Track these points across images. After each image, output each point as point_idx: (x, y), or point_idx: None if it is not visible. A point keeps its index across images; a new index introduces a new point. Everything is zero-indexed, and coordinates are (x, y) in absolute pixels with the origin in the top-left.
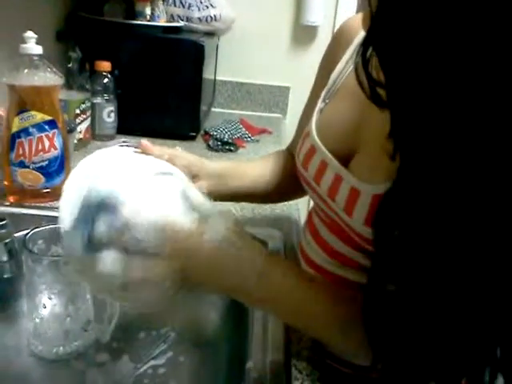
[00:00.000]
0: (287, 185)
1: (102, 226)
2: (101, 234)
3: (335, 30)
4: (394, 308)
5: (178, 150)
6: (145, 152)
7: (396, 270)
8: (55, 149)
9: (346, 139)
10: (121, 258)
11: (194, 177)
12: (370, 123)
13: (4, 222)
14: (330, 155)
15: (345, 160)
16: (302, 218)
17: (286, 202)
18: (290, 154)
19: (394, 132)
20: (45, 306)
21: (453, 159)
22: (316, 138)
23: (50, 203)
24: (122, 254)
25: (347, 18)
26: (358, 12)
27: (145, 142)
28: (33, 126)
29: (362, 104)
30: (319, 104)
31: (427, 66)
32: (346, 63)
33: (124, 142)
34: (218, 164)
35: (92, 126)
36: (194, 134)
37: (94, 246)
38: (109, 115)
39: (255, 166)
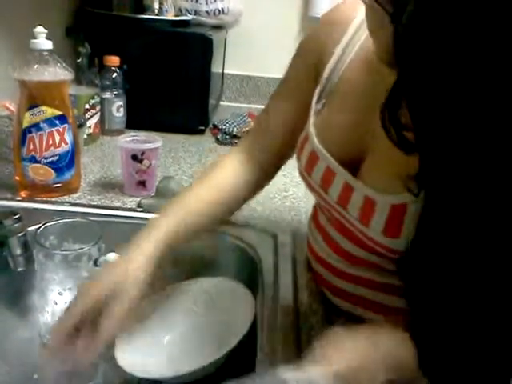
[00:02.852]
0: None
1: None
2: None
3: (320, 21)
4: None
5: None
6: None
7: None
8: (66, 144)
9: (352, 144)
10: None
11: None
12: (379, 125)
13: (18, 216)
14: (335, 162)
15: (352, 165)
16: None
17: (294, 195)
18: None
19: (422, 174)
20: (56, 302)
21: (484, 205)
22: (317, 143)
23: (61, 198)
24: None
25: (331, 9)
26: None
27: None
28: (43, 121)
29: (368, 103)
30: (314, 105)
31: (457, 111)
32: (340, 56)
33: (133, 136)
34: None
35: (101, 120)
36: (202, 127)
37: None
38: (118, 110)
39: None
